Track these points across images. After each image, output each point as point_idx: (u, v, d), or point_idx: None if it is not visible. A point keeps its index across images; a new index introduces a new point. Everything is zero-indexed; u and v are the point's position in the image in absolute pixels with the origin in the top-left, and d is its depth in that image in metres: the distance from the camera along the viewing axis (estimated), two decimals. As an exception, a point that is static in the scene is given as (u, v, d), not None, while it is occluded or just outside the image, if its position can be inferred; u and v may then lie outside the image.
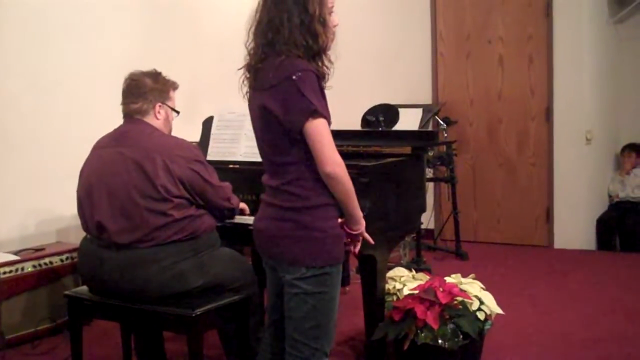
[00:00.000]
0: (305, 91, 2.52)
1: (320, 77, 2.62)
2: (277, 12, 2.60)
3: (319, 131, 2.54)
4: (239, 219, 3.62)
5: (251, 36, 2.70)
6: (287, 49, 2.58)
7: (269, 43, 2.62)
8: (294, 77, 2.53)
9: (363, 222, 2.77)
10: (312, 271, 2.62)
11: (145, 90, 3.41)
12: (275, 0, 2.62)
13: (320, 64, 2.65)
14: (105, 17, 5.22)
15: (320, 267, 2.63)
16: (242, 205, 3.65)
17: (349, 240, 2.80)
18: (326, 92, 2.65)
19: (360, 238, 2.82)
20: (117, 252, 3.25)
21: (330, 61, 2.69)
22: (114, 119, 3.51)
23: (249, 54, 2.71)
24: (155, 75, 3.49)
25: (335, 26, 2.72)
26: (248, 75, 2.72)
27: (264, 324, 3.73)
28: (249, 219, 3.43)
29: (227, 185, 3.47)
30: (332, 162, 2.55)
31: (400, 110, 5.83)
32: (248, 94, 2.76)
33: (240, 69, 2.76)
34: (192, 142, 3.61)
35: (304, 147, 2.58)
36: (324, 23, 2.64)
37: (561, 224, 6.84)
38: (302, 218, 2.61)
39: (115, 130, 3.47)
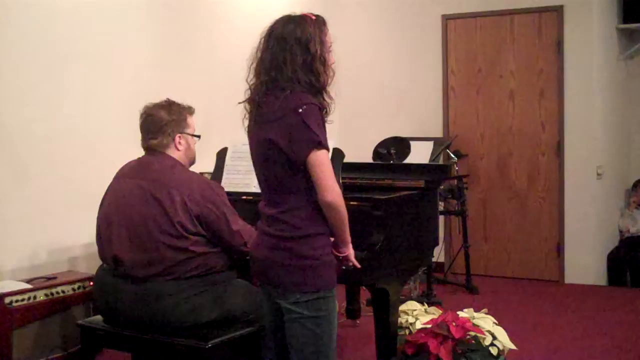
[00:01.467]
0: (310, 123, 2.65)
1: (322, 109, 2.75)
2: (280, 51, 2.73)
3: (321, 161, 2.67)
4: None
5: (252, 72, 2.84)
6: (290, 85, 2.70)
7: (272, 80, 2.74)
8: (299, 110, 2.66)
9: (350, 246, 2.88)
10: (307, 296, 2.74)
11: (162, 124, 3.41)
12: (278, 39, 2.74)
13: (321, 99, 2.78)
14: (121, 47, 5.27)
15: (315, 291, 2.74)
16: None
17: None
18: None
19: (349, 261, 2.91)
20: (133, 284, 3.25)
21: (330, 97, 2.82)
22: (128, 149, 3.54)
23: (251, 89, 2.84)
24: (169, 106, 3.49)
25: (332, 64, 2.83)
26: (250, 109, 2.85)
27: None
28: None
29: (246, 229, 3.41)
30: (333, 191, 2.69)
31: (412, 143, 5.87)
32: (249, 127, 2.88)
33: (242, 103, 2.89)
34: (205, 173, 3.62)
35: (304, 178, 2.70)
36: (324, 62, 2.77)
37: (572, 258, 6.82)
38: (296, 247, 2.73)
39: (139, 160, 3.48)
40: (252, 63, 2.84)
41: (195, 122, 3.59)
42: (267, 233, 2.80)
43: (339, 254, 2.85)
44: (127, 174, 3.44)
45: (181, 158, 3.45)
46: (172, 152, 3.42)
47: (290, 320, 2.78)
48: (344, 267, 2.91)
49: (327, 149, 2.70)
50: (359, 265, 2.96)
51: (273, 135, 2.70)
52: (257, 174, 2.89)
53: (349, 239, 2.84)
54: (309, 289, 2.73)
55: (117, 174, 3.52)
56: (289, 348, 2.83)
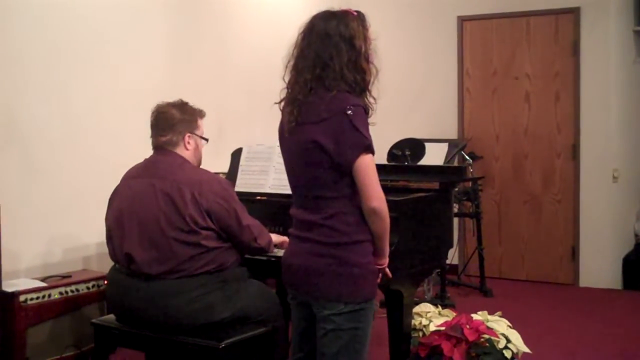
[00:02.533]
0: (358, 126, 2.56)
1: (367, 111, 2.66)
2: (325, 48, 2.62)
3: (369, 166, 2.57)
4: (278, 251, 3.60)
5: (291, 71, 2.72)
6: (337, 84, 2.60)
7: (317, 78, 2.63)
8: (348, 111, 2.56)
9: (387, 258, 2.78)
10: (350, 307, 2.63)
11: (173, 122, 3.43)
12: (321, 36, 2.64)
13: (365, 99, 2.69)
14: (135, 48, 5.28)
15: (358, 302, 2.64)
16: (282, 238, 3.56)
17: None
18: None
19: (383, 272, 2.82)
20: (145, 282, 3.26)
21: (373, 97, 2.72)
22: (142, 149, 3.54)
23: (290, 88, 2.72)
24: (182, 106, 3.51)
25: (374, 61, 2.74)
26: (289, 109, 2.70)
27: (288, 356, 3.73)
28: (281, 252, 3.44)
29: (255, 225, 3.42)
30: (378, 197, 2.59)
31: (427, 144, 5.86)
32: (285, 128, 2.74)
33: (279, 102, 2.78)
34: (220, 174, 3.63)
35: (349, 182, 2.60)
36: (368, 59, 2.69)
37: (587, 262, 6.79)
38: (343, 254, 2.62)
39: (146, 161, 3.50)
40: (289, 61, 2.73)
41: (205, 120, 3.59)
42: (308, 239, 2.68)
43: (377, 265, 2.74)
44: (136, 175, 3.46)
45: (189, 157, 3.46)
46: (181, 151, 3.44)
47: (325, 330, 2.68)
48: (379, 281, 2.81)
49: (373, 153, 2.61)
50: (390, 275, 2.85)
51: (318, 137, 2.58)
52: (292, 177, 2.78)
53: (387, 250, 2.75)
54: (353, 299, 2.63)
55: (125, 175, 3.54)
56: (318, 357, 2.73)
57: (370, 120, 2.66)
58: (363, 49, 2.66)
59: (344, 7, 2.76)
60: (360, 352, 2.71)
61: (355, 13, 2.72)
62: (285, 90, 2.75)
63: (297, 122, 2.67)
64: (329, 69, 2.61)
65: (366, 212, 2.60)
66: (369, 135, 2.59)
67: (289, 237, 2.86)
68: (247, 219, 3.38)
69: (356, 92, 2.64)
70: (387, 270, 2.82)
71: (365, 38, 2.69)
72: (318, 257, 2.65)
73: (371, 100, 2.70)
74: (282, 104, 2.76)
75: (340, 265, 2.62)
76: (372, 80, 2.70)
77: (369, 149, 2.58)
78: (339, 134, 2.56)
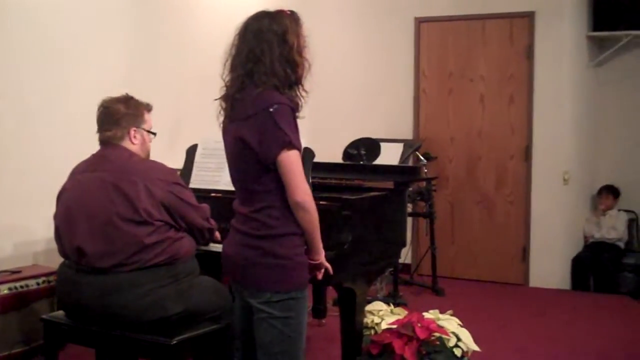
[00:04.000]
0: (280, 123, 2.65)
1: (295, 109, 2.74)
2: (257, 43, 2.72)
3: (291, 161, 2.67)
4: (213, 246, 3.61)
5: (228, 68, 2.82)
6: (267, 79, 2.70)
7: (249, 73, 2.73)
8: (270, 109, 2.65)
9: (323, 252, 2.87)
10: (278, 296, 2.73)
11: (118, 117, 3.40)
12: (254, 32, 2.74)
13: (296, 93, 2.79)
14: (90, 44, 5.23)
15: (286, 291, 2.74)
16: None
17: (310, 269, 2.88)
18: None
19: (322, 267, 2.90)
20: (95, 277, 3.23)
21: (305, 90, 2.82)
22: (95, 145, 3.51)
23: (226, 85, 2.83)
24: (127, 100, 3.48)
25: (308, 57, 2.83)
26: (224, 106, 2.83)
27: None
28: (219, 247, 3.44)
29: (205, 206, 3.49)
30: (303, 191, 2.69)
31: (382, 144, 5.88)
32: (223, 124, 2.86)
33: (218, 99, 2.87)
34: (174, 168, 3.61)
35: (275, 177, 2.70)
36: (300, 54, 2.78)
37: (537, 262, 6.89)
38: (269, 246, 2.72)
39: (93, 156, 3.47)
40: (226, 60, 2.82)
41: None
42: (240, 231, 2.80)
43: (313, 261, 2.83)
44: (84, 169, 3.42)
45: (137, 151, 3.44)
46: (128, 145, 3.42)
47: (259, 320, 2.78)
48: (312, 276, 2.89)
49: (299, 149, 2.70)
50: (331, 271, 2.93)
51: (245, 134, 2.69)
52: (230, 172, 2.89)
53: (320, 244, 2.83)
54: (281, 289, 2.73)
55: (73, 171, 3.51)
56: (256, 347, 2.82)
57: (300, 115, 2.77)
58: (295, 44, 2.75)
59: (301, 7, 2.82)
60: (296, 341, 2.80)
61: (288, 12, 2.82)
62: (224, 88, 2.84)
63: (230, 119, 2.81)
64: (260, 63, 2.71)
65: (292, 206, 2.70)
66: (293, 132, 2.68)
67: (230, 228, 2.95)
68: (196, 203, 3.42)
69: (286, 87, 2.73)
70: (327, 264, 2.90)
71: (298, 34, 2.78)
72: (247, 248, 2.77)
73: (303, 93, 2.81)
74: (220, 100, 2.87)
75: (267, 257, 2.72)
76: (304, 73, 2.80)
77: (291, 145, 2.66)
78: (261, 131, 2.66)
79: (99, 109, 3.46)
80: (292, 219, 2.73)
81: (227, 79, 2.82)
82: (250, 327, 2.86)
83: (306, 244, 2.79)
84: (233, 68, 2.79)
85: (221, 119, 2.89)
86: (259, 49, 2.71)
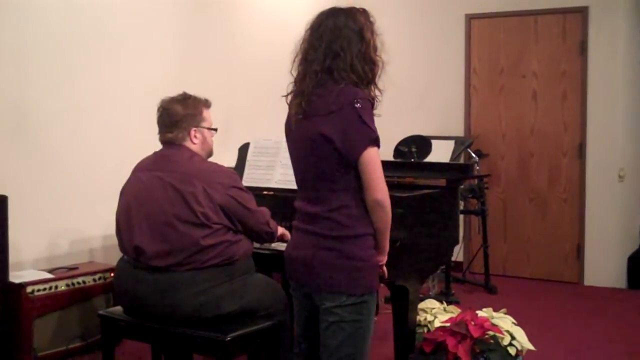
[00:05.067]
0: (366, 119, 2.59)
1: (374, 106, 2.68)
2: (335, 39, 2.66)
3: (374, 159, 2.60)
4: (277, 245, 3.64)
5: (299, 64, 2.74)
6: (346, 75, 2.63)
7: (327, 69, 2.66)
8: (356, 104, 2.58)
9: (386, 256, 2.81)
10: (352, 299, 2.66)
11: (177, 118, 3.43)
12: (331, 28, 2.67)
13: (372, 91, 2.72)
14: (143, 43, 5.31)
15: (360, 295, 2.67)
16: (282, 230, 3.64)
17: None
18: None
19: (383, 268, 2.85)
20: (152, 274, 3.28)
21: (379, 89, 2.75)
22: (149, 143, 3.56)
23: (298, 80, 2.74)
24: (185, 100, 3.50)
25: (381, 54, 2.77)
26: (297, 101, 2.72)
27: (292, 350, 3.75)
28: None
29: (264, 209, 3.49)
30: (383, 190, 2.62)
31: (433, 141, 5.86)
32: (292, 121, 2.76)
33: (287, 95, 2.80)
34: (229, 168, 3.65)
35: (354, 175, 2.63)
36: (376, 52, 2.72)
37: (591, 260, 6.79)
38: (346, 247, 2.64)
39: (156, 154, 3.51)
40: (296, 55, 2.75)
41: (212, 115, 3.59)
42: (311, 232, 2.71)
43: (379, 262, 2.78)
44: (146, 168, 3.47)
45: (198, 151, 3.47)
46: (189, 145, 3.45)
47: (328, 322, 2.71)
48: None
49: (379, 146, 2.64)
50: (386, 275, 2.89)
51: (326, 130, 2.60)
52: (298, 170, 2.81)
53: (387, 247, 2.78)
54: (356, 292, 2.66)
55: (135, 168, 3.55)
56: (322, 348, 2.76)
57: (375, 112, 2.69)
58: (372, 41, 2.70)
59: (351, 5, 2.79)
60: (362, 345, 2.74)
61: (361, 9, 2.77)
62: (293, 84, 2.77)
63: (304, 115, 2.69)
64: (339, 59, 2.64)
65: (370, 204, 2.63)
66: (376, 129, 2.62)
67: (292, 229, 2.88)
68: (255, 207, 3.43)
69: (364, 84, 2.67)
70: (385, 268, 2.85)
71: (373, 31, 2.74)
72: (321, 250, 2.67)
73: (377, 92, 2.74)
74: (290, 97, 2.79)
75: (342, 258, 2.64)
76: (379, 72, 2.74)
77: (376, 142, 2.61)
78: (346, 127, 2.58)
79: (158, 111, 3.49)
80: (367, 219, 2.66)
81: (300, 74, 2.73)
82: (315, 329, 2.79)
83: (375, 244, 2.73)
84: (307, 63, 2.70)
85: (284, 117, 2.82)
86: (337, 44, 2.64)
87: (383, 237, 2.72)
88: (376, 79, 2.73)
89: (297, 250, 2.78)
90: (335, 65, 2.64)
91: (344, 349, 2.70)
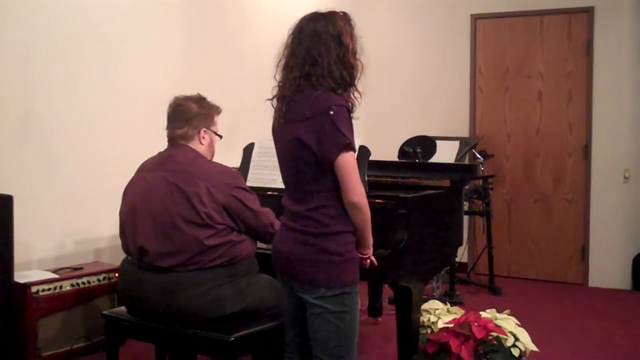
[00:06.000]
0: (339, 125, 2.69)
1: (350, 110, 2.79)
2: (314, 45, 2.75)
3: (348, 163, 2.71)
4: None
5: (281, 69, 2.85)
6: (324, 81, 2.73)
7: (306, 75, 2.76)
8: (330, 111, 2.69)
9: (371, 247, 2.91)
10: (332, 291, 2.78)
11: (190, 115, 3.45)
12: (311, 34, 2.77)
13: (351, 95, 2.82)
14: (149, 45, 5.31)
15: (339, 287, 2.79)
16: None
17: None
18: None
19: (368, 260, 2.94)
20: (156, 274, 3.29)
21: (358, 92, 2.85)
22: (155, 143, 3.57)
23: (280, 86, 2.86)
24: (200, 100, 3.53)
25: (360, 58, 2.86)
26: (279, 106, 2.86)
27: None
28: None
29: (268, 211, 3.49)
30: (358, 192, 2.74)
31: (438, 142, 5.86)
32: (276, 125, 2.90)
33: (270, 99, 2.92)
34: (233, 168, 3.65)
35: (331, 178, 2.74)
36: (354, 56, 2.81)
37: (596, 262, 6.78)
38: (323, 243, 2.77)
39: (160, 154, 3.52)
40: (279, 60, 2.86)
41: (219, 122, 3.61)
42: (293, 228, 2.83)
43: (362, 255, 2.88)
44: (150, 168, 3.47)
45: (203, 152, 3.48)
46: (195, 145, 3.46)
47: (313, 315, 2.82)
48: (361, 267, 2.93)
49: (355, 151, 2.75)
50: (376, 264, 2.98)
51: (303, 135, 2.72)
52: (282, 172, 2.93)
53: (370, 241, 2.88)
54: (334, 284, 2.77)
55: (139, 168, 3.56)
56: (311, 342, 2.87)
57: (354, 116, 2.80)
58: (350, 46, 2.79)
59: (356, 5, 2.82)
60: (350, 335, 2.84)
61: (341, 13, 2.85)
62: (277, 88, 2.88)
63: (285, 119, 2.83)
64: (317, 65, 2.74)
65: (346, 205, 2.75)
66: (351, 135, 2.72)
67: (280, 225, 3.01)
68: (259, 208, 3.44)
69: (342, 89, 2.77)
70: (373, 258, 2.94)
71: (352, 35, 2.82)
72: (301, 245, 2.80)
73: (356, 95, 2.84)
74: (274, 101, 2.90)
75: (321, 253, 2.77)
76: (358, 75, 2.83)
77: (349, 147, 2.71)
78: (321, 133, 2.70)
79: (170, 106, 3.51)
80: (346, 217, 2.78)
81: (282, 79, 2.85)
82: (303, 323, 2.90)
83: (357, 239, 2.84)
84: (288, 69, 2.81)
85: (279, 119, 2.90)
86: (316, 50, 2.74)
87: (363, 234, 2.84)
88: (355, 82, 2.83)
89: (281, 245, 2.92)
90: (314, 71, 2.74)
91: (331, 341, 2.81)
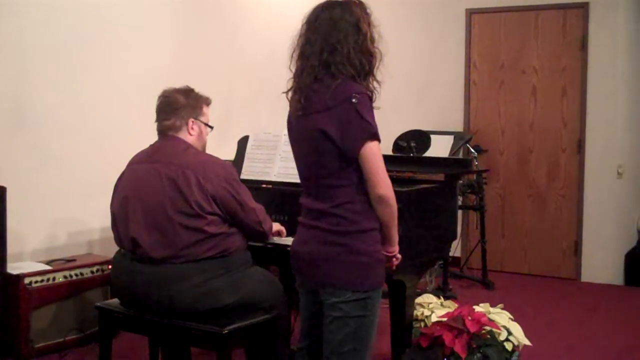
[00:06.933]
0: (364, 113, 2.57)
1: (372, 99, 2.66)
2: (332, 32, 2.63)
3: (374, 153, 2.59)
4: (277, 239, 3.63)
5: (297, 59, 2.72)
6: (343, 69, 2.61)
7: (324, 63, 2.64)
8: (353, 99, 2.57)
9: (397, 245, 2.80)
10: (357, 295, 2.65)
11: (177, 106, 3.43)
12: (327, 22, 2.65)
13: (370, 83, 2.70)
14: (143, 36, 5.30)
15: (365, 291, 2.66)
16: (278, 227, 3.65)
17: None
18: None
19: (394, 259, 2.84)
20: (149, 266, 3.28)
21: (377, 81, 2.73)
22: (149, 135, 3.56)
23: (296, 76, 2.73)
24: (188, 92, 3.52)
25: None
26: (296, 97, 2.71)
27: (290, 344, 3.76)
28: (287, 240, 3.45)
29: (259, 207, 3.45)
30: (385, 184, 2.61)
31: (432, 136, 5.86)
32: (293, 117, 2.76)
33: (287, 91, 2.78)
34: (227, 161, 3.64)
35: (356, 170, 2.62)
36: (373, 43, 2.70)
37: (589, 257, 6.80)
38: (351, 242, 2.63)
39: (151, 146, 3.51)
40: (294, 50, 2.74)
41: (212, 108, 3.59)
42: (317, 227, 2.69)
43: (387, 253, 2.77)
44: (141, 160, 3.46)
45: (193, 143, 3.46)
46: (185, 136, 3.44)
47: (331, 317, 2.69)
48: (388, 267, 2.82)
49: (379, 140, 2.62)
50: (399, 261, 2.87)
51: (325, 126, 2.59)
52: (301, 166, 2.80)
53: (397, 237, 2.77)
54: (361, 288, 2.65)
55: (130, 161, 3.55)
56: (324, 343, 2.75)
57: (375, 105, 2.68)
58: (368, 33, 2.68)
59: (351, -1, 2.76)
60: (366, 341, 2.72)
61: (357, 1, 2.75)
62: (292, 80, 2.75)
63: (303, 111, 2.69)
64: (336, 52, 2.62)
65: (373, 199, 2.62)
66: (375, 123, 2.60)
67: (298, 225, 2.86)
68: (252, 203, 3.41)
69: (361, 77, 2.66)
70: (399, 255, 2.85)
71: (369, 23, 2.71)
72: (326, 245, 2.66)
73: (375, 84, 2.72)
74: (290, 93, 2.77)
75: (349, 254, 2.63)
76: (377, 64, 2.72)
77: (375, 137, 2.59)
78: (344, 122, 2.57)
79: (159, 99, 3.49)
80: (372, 213, 2.65)
81: (299, 69, 2.72)
82: (320, 326, 2.78)
83: (383, 235, 2.73)
84: (304, 58, 2.69)
85: (284, 110, 2.82)
86: (334, 38, 2.62)
87: (390, 230, 2.72)
88: (374, 71, 2.71)
89: (303, 246, 2.77)
90: (333, 59, 2.62)
91: (346, 345, 2.69)
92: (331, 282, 2.66)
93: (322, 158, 2.64)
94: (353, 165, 2.61)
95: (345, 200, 2.63)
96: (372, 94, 2.67)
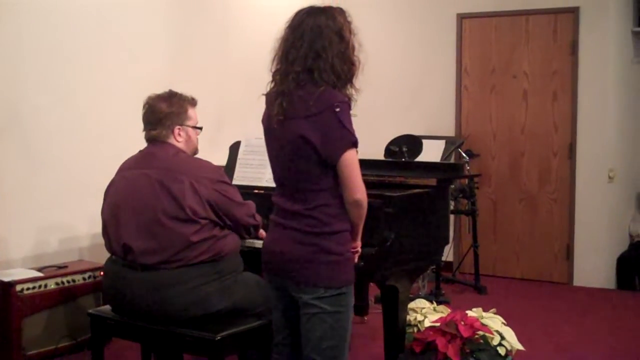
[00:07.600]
0: (345, 122, 2.66)
1: (350, 107, 2.74)
2: (317, 40, 2.69)
3: (354, 160, 2.69)
4: (257, 243, 3.63)
5: (279, 62, 2.77)
6: (327, 76, 2.67)
7: (308, 70, 2.69)
8: (336, 108, 2.64)
9: (360, 241, 2.91)
10: (331, 291, 2.75)
11: (160, 116, 3.42)
12: (312, 27, 2.70)
13: (349, 90, 2.77)
14: (135, 41, 5.29)
15: (338, 287, 2.76)
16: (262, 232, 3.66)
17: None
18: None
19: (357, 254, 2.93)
20: (141, 273, 3.27)
21: (355, 88, 2.80)
22: (141, 140, 3.55)
23: (278, 80, 2.77)
24: (170, 98, 3.49)
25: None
26: (278, 101, 2.74)
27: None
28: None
29: (250, 203, 3.51)
30: (361, 189, 2.72)
31: (424, 141, 5.85)
32: (273, 120, 2.78)
33: (266, 94, 2.83)
34: (219, 166, 3.64)
35: (333, 176, 2.70)
36: (354, 51, 2.78)
37: (581, 261, 6.81)
38: (323, 242, 2.73)
39: (141, 152, 3.51)
40: (276, 54, 2.78)
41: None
42: (291, 227, 2.78)
43: (352, 249, 2.86)
44: (131, 166, 3.46)
45: (183, 148, 3.47)
46: (173, 143, 3.45)
47: (309, 315, 2.77)
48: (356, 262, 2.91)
49: (357, 147, 2.72)
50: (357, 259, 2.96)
51: (306, 132, 2.66)
52: (277, 169, 2.85)
53: (360, 234, 2.88)
54: (334, 284, 2.75)
55: (120, 167, 3.54)
56: (303, 342, 2.82)
57: (351, 112, 2.74)
58: (350, 41, 2.76)
59: (342, 3, 2.80)
60: (344, 336, 2.82)
61: (339, 9, 2.81)
62: (272, 82, 2.81)
63: (285, 116, 2.74)
64: (320, 59, 2.68)
65: (349, 203, 2.73)
66: (354, 131, 2.69)
67: (270, 224, 2.93)
68: (241, 200, 3.45)
69: (342, 84, 2.73)
70: (360, 250, 2.93)
71: (351, 31, 2.78)
72: (300, 245, 2.76)
73: (353, 91, 2.79)
74: (269, 95, 2.82)
75: (322, 253, 2.73)
76: (356, 72, 2.79)
77: (355, 145, 2.70)
78: (327, 131, 2.66)
79: (144, 107, 3.49)
80: (345, 215, 2.76)
81: (281, 73, 2.76)
82: (295, 324, 2.86)
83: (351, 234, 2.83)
84: (288, 62, 2.73)
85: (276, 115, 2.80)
86: (319, 44, 2.68)
87: (358, 228, 2.83)
88: (354, 79, 2.78)
89: (276, 245, 2.85)
90: (317, 66, 2.68)
91: (325, 341, 2.77)
92: (304, 280, 2.76)
93: (301, 162, 2.72)
94: (331, 170, 2.70)
95: (321, 203, 2.73)
96: (350, 102, 2.75)
